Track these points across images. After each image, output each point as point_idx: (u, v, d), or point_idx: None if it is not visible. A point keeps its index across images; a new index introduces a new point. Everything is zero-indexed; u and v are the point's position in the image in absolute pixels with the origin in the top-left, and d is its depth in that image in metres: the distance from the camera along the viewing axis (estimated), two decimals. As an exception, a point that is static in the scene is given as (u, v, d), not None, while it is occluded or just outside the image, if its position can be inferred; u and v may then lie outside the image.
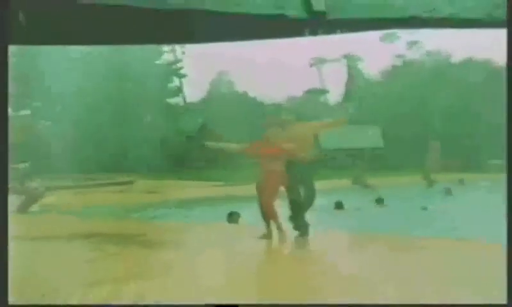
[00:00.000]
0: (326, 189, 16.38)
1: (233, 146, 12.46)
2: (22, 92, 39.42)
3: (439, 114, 45.72)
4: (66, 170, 31.55)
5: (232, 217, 15.97)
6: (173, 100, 46.85)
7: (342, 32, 3.02)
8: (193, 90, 67.38)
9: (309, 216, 10.73)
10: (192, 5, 2.53)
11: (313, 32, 2.90)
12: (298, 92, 49.39)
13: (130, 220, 18.29)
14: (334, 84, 48.83)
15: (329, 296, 7.25)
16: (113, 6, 2.46)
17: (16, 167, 18.48)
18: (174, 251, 10.73)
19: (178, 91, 47.27)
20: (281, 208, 10.50)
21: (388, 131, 41.81)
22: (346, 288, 7.55)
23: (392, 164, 40.51)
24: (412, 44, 48.91)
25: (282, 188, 10.58)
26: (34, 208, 19.21)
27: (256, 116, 33.98)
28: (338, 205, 19.69)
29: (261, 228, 10.60)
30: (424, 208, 20.32)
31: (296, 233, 10.37)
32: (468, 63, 50.20)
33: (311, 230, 10.56)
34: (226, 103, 45.05)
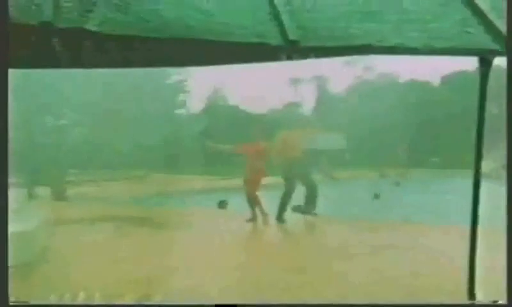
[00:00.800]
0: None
1: (227, 147, 12.56)
2: (60, 105, 39.53)
3: (389, 122, 45.95)
4: (92, 166, 31.44)
5: (222, 204, 16.28)
6: (179, 111, 47.32)
7: (313, 57, 3.00)
8: (195, 103, 67.38)
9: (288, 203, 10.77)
10: (193, 35, 2.50)
11: (290, 57, 2.87)
12: (278, 105, 49.68)
13: (142, 207, 18.23)
14: (307, 98, 49.03)
15: (297, 259, 7.25)
16: (122, 35, 2.42)
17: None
18: (177, 230, 10.73)
19: (183, 103, 47.70)
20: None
21: (349, 135, 42.02)
22: (313, 255, 7.56)
23: (353, 162, 40.59)
24: (367, 68, 49.22)
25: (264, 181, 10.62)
26: (68, 196, 19.14)
27: (244, 123, 34.11)
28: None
29: (244, 212, 10.61)
30: (377, 196, 20.50)
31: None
32: (411, 83, 50.50)
33: (289, 215, 10.61)
34: (221, 113, 45.25)
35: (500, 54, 2.70)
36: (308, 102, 50.32)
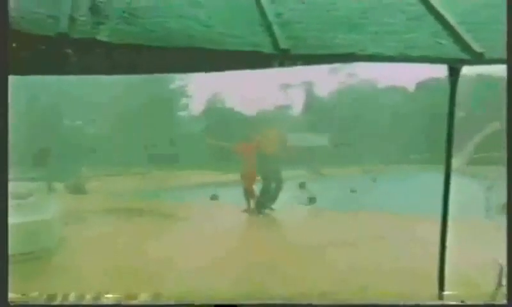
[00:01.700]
0: (292, 176, 16.47)
1: (226, 144, 12.63)
2: (75, 109, 39.57)
3: (370, 123, 46.03)
4: (104, 163, 31.41)
5: (213, 197, 16.73)
6: (182, 113, 47.37)
7: (302, 64, 3.01)
8: (196, 105, 67.40)
9: (280, 195, 10.84)
10: (194, 45, 2.49)
11: (281, 64, 2.88)
12: (270, 107, 49.70)
13: (147, 199, 18.16)
14: (296, 102, 49.06)
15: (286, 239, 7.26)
16: (129, 44, 2.42)
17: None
18: (179, 219, 10.75)
19: (186, 106, 47.75)
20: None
21: (333, 135, 42.06)
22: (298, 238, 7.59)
23: (337, 159, 40.56)
24: (350, 74, 49.14)
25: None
26: (81, 189, 19.04)
27: (240, 123, 34.12)
28: (302, 185, 20.10)
29: (235, 204, 10.68)
30: (353, 191, 20.52)
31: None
32: (389, 88, 50.64)
33: (279, 205, 10.65)
34: (219, 115, 45.16)
35: (467, 63, 2.71)
36: (296, 104, 50.50)
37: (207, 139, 18.93)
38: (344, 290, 5.02)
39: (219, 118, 44.14)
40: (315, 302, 4.46)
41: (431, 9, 2.77)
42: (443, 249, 3.31)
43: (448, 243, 3.31)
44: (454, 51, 2.59)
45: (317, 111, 43.79)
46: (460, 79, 3.09)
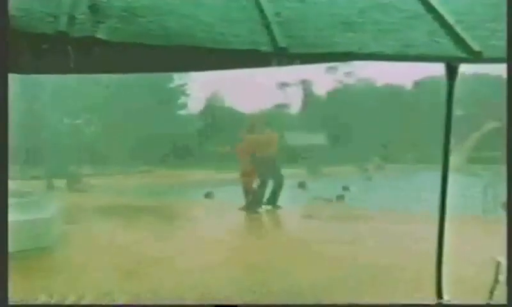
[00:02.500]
0: (292, 174, 16.55)
1: (225, 149, 12.66)
2: (75, 107, 39.76)
3: (368, 121, 46.10)
4: (105, 161, 31.47)
5: (209, 194, 16.94)
6: (181, 112, 47.50)
7: (300, 63, 3.00)
8: (195, 104, 67.49)
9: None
10: (193, 43, 2.49)
11: (279, 63, 2.87)
12: (268, 106, 49.80)
13: (146, 198, 18.20)
14: (294, 100, 49.09)
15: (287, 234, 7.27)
16: (129, 43, 2.41)
17: None
18: (178, 218, 10.78)
19: (185, 105, 47.91)
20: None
21: (331, 134, 42.10)
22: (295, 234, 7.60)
23: (334, 158, 40.63)
24: (348, 73, 49.14)
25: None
26: (80, 187, 19.04)
27: (238, 122, 34.21)
28: (301, 185, 20.32)
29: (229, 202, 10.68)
30: (346, 188, 20.72)
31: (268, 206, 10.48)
32: (387, 87, 50.68)
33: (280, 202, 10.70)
34: (218, 113, 45.25)
35: (464, 61, 2.71)
36: (294, 103, 50.33)
37: (206, 146, 18.96)
38: (343, 289, 5.03)
39: (218, 116, 44.10)
40: (315, 302, 4.46)
41: (429, 8, 2.77)
42: (440, 248, 3.30)
43: (445, 241, 3.31)
44: (452, 50, 2.59)
45: (314, 109, 43.72)
46: (458, 78, 3.10)
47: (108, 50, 2.63)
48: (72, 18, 2.33)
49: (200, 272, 5.56)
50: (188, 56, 3.04)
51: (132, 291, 4.68)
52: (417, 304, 4.19)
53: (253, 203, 10.57)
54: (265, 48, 2.45)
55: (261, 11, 2.61)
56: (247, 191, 10.49)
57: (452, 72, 3.03)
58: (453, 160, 3.34)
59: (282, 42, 2.45)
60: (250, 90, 53.51)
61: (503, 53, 2.55)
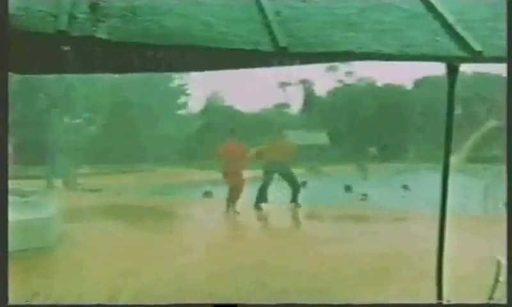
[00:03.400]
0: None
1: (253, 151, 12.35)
2: (75, 107, 39.85)
3: (367, 120, 46.11)
4: (105, 160, 31.50)
5: (207, 194, 16.97)
6: (181, 111, 47.55)
7: (300, 62, 3.01)
8: (195, 104, 67.58)
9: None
10: (193, 43, 2.49)
11: (280, 63, 2.87)
12: (269, 105, 49.89)
13: (146, 197, 18.21)
14: (294, 100, 49.13)
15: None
16: (129, 43, 2.41)
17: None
18: (177, 216, 10.81)
19: (185, 105, 47.97)
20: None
21: (332, 132, 42.12)
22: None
23: (334, 157, 40.62)
24: (348, 73, 49.15)
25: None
26: (79, 187, 19.05)
27: (238, 121, 34.24)
28: (302, 184, 20.42)
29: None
30: (348, 187, 21.03)
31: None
32: (387, 86, 50.69)
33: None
34: (218, 113, 45.25)
35: (465, 60, 2.71)
36: (294, 103, 50.35)
37: (209, 148, 18.93)
38: (342, 288, 5.03)
39: (218, 116, 43.97)
40: (314, 302, 4.46)
41: (430, 7, 2.77)
42: (441, 248, 3.30)
43: (446, 240, 3.31)
44: (453, 49, 2.59)
45: (314, 109, 43.58)
46: (458, 77, 3.09)
47: (108, 49, 2.63)
48: (72, 18, 2.32)
49: (200, 271, 5.56)
50: (188, 56, 3.04)
51: (131, 290, 4.68)
52: (417, 304, 4.19)
53: (259, 200, 10.59)
54: (266, 47, 2.44)
55: (261, 10, 2.61)
56: (234, 192, 10.38)
57: (452, 71, 3.03)
58: (453, 159, 3.34)
59: (282, 42, 2.45)
60: (250, 90, 53.56)
61: (503, 52, 2.55)
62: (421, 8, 2.77)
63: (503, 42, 2.55)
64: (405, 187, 21.09)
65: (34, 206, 7.17)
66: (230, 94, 62.27)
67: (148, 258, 6.26)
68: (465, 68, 3.00)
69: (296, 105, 49.47)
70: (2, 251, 2.14)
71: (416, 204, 13.54)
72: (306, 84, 47.37)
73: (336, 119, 45.66)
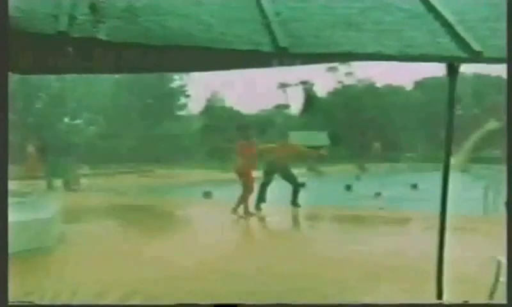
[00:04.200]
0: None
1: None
2: (75, 107, 39.88)
3: (367, 121, 46.12)
4: (104, 161, 31.49)
5: (207, 194, 17.01)
6: (181, 112, 47.51)
7: (301, 62, 3.00)
8: (195, 105, 67.58)
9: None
10: (193, 44, 2.49)
11: (280, 63, 2.87)
12: (268, 106, 49.92)
13: (147, 196, 18.21)
14: (294, 101, 49.06)
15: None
16: (129, 43, 2.41)
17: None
18: (176, 217, 10.80)
19: (185, 106, 47.95)
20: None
21: (332, 133, 42.10)
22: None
23: (333, 157, 40.57)
24: (348, 73, 49.10)
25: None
26: (79, 187, 19.02)
27: (237, 122, 34.22)
28: (303, 184, 20.52)
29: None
30: (348, 187, 21.18)
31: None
32: (387, 87, 50.69)
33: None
34: (218, 114, 45.24)
35: (465, 61, 2.71)
36: (294, 104, 50.25)
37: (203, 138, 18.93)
38: (342, 288, 5.02)
39: (218, 117, 43.89)
40: (314, 302, 4.45)
41: (430, 8, 2.76)
42: (441, 248, 3.30)
43: (446, 240, 3.31)
44: (453, 49, 2.59)
45: (314, 110, 43.45)
46: (459, 78, 3.09)
47: (108, 50, 2.63)
48: (72, 18, 2.32)
49: (199, 271, 5.56)
50: (188, 56, 3.03)
51: (131, 290, 4.68)
52: (417, 304, 4.18)
53: (259, 200, 10.54)
54: (266, 48, 2.44)
55: (262, 11, 2.61)
56: (247, 190, 10.31)
57: (452, 72, 3.03)
58: (453, 160, 3.33)
59: (283, 42, 2.45)
60: (250, 90, 53.59)
61: (503, 53, 2.55)
62: (421, 8, 2.77)
63: (503, 42, 2.55)
64: (414, 186, 21.11)
65: (34, 206, 7.17)
66: (230, 94, 62.36)
67: (148, 258, 6.25)
68: (465, 69, 2.99)
69: (295, 105, 49.44)
70: (2, 251, 2.14)
71: (414, 205, 13.57)
72: (306, 85, 47.34)
73: (336, 119, 45.66)
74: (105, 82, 39.73)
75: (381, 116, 46.73)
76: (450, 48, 2.59)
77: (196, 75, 44.24)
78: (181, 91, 46.87)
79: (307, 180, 20.63)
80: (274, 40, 2.45)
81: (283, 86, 49.56)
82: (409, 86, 52.71)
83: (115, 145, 37.54)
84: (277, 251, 6.98)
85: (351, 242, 7.52)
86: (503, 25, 2.61)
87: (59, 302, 4.45)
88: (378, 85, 51.30)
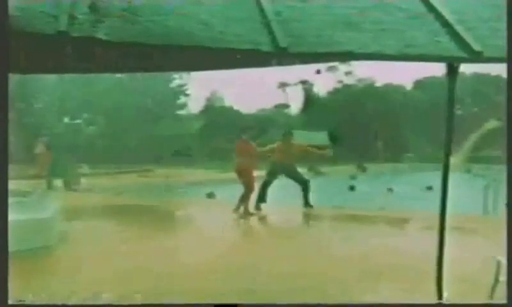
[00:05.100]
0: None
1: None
2: (75, 107, 39.84)
3: (366, 120, 46.09)
4: (105, 161, 31.51)
5: (210, 195, 16.97)
6: (180, 112, 47.47)
7: (301, 62, 3.00)
8: (195, 104, 67.59)
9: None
10: (193, 43, 2.48)
11: (279, 63, 2.87)
12: (268, 106, 49.90)
13: (148, 196, 18.17)
14: (294, 100, 49.07)
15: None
16: (129, 43, 2.41)
17: None
18: (177, 217, 10.80)
19: (184, 105, 47.88)
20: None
21: (332, 133, 42.08)
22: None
23: (334, 156, 40.48)
24: (348, 73, 49.06)
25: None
26: (80, 187, 19.01)
27: (237, 122, 34.20)
28: (308, 181, 20.64)
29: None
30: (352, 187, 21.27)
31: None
32: (387, 87, 50.68)
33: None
34: (217, 113, 45.23)
35: (465, 61, 2.71)
36: (294, 103, 50.23)
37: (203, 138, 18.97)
38: (342, 288, 5.02)
39: (218, 116, 43.84)
40: (314, 302, 4.45)
41: (430, 7, 2.76)
42: (441, 248, 3.30)
43: (446, 240, 3.30)
44: (453, 49, 2.59)
45: (314, 110, 43.45)
46: (458, 77, 3.09)
47: (108, 49, 2.63)
48: (72, 18, 2.32)
49: (200, 272, 5.56)
50: (188, 56, 3.04)
51: (131, 290, 4.68)
52: (417, 304, 4.18)
53: (259, 200, 10.52)
54: (266, 47, 2.44)
55: (261, 10, 2.61)
56: (248, 188, 10.26)
57: (452, 72, 3.03)
58: (453, 159, 3.33)
59: (282, 42, 2.45)
60: (250, 90, 53.60)
61: (503, 53, 2.55)
62: (421, 8, 2.77)
63: (503, 42, 2.55)
64: (429, 188, 20.94)
65: (34, 206, 7.16)
66: (230, 94, 62.32)
67: (147, 258, 6.25)
68: (465, 69, 2.99)
69: (295, 105, 49.43)
70: (2, 251, 2.14)
71: (413, 204, 13.55)
72: (306, 85, 47.30)
73: (336, 119, 45.65)
74: (105, 82, 39.70)
75: (380, 115, 46.73)
76: (450, 48, 2.59)
77: (196, 74, 44.27)
78: (181, 91, 46.85)
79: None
80: (273, 40, 2.45)
81: (283, 85, 49.63)
82: (409, 86, 52.77)
83: (115, 145, 37.54)
84: (277, 251, 6.98)
85: (351, 241, 7.53)
86: (503, 25, 2.61)
87: (59, 302, 4.45)
88: (378, 84, 51.33)
